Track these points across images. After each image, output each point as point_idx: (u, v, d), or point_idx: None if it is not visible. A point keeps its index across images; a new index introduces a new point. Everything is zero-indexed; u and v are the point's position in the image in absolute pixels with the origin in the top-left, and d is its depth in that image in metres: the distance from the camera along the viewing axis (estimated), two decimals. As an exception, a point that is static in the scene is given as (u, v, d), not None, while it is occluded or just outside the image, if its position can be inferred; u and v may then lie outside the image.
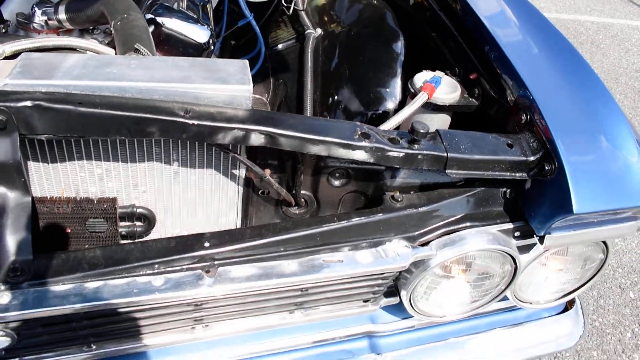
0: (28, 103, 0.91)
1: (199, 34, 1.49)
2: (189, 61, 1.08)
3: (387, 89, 1.53)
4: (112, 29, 1.22)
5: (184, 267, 0.98)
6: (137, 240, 1.13)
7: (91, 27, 1.47)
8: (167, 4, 1.50)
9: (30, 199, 0.96)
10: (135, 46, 1.10)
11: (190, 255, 0.99)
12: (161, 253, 0.98)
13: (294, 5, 1.79)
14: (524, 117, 1.18)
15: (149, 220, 1.15)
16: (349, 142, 1.02)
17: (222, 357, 1.17)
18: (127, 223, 1.15)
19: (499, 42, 1.32)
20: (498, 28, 1.38)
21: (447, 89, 1.32)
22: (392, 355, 1.29)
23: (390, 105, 1.51)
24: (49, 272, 0.93)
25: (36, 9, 1.44)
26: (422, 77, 1.33)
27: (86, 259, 0.96)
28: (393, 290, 1.25)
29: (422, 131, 1.06)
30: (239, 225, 1.21)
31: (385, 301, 1.25)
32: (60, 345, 1.05)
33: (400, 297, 1.23)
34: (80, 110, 0.92)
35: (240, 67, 1.07)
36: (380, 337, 1.29)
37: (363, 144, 1.03)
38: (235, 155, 1.06)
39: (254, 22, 1.75)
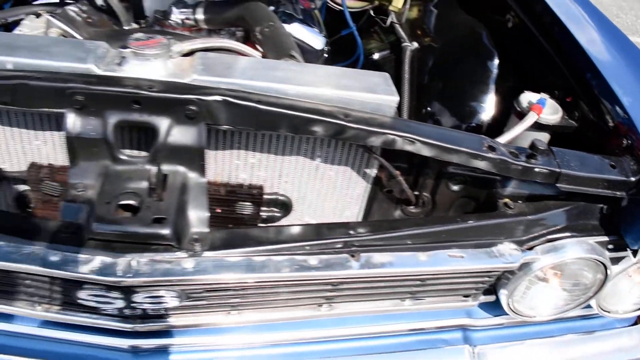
0: (217, 98, 1.08)
1: (316, 40, 1.67)
2: (339, 70, 1.25)
3: (482, 104, 1.69)
4: (257, 34, 1.40)
5: (333, 249, 1.15)
6: (294, 224, 1.30)
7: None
8: (287, 11, 1.68)
9: (206, 180, 1.14)
10: (291, 53, 1.28)
11: (338, 240, 1.16)
12: (314, 236, 1.16)
13: (391, 18, 1.96)
14: (625, 142, 1.34)
15: (286, 207, 1.32)
16: (479, 153, 1.19)
17: (342, 335, 1.34)
18: (268, 208, 1.32)
19: (598, 67, 1.48)
20: (596, 52, 1.54)
21: (549, 110, 1.48)
22: (483, 348, 1.45)
23: (483, 119, 1.68)
24: (223, 244, 1.11)
25: (174, 8, 1.62)
26: (527, 98, 1.49)
27: (253, 237, 1.13)
28: (490, 289, 1.41)
29: (541, 148, 1.23)
30: (360, 219, 1.38)
31: (482, 298, 1.41)
32: (208, 310, 1.22)
33: (497, 296, 1.39)
34: (260, 107, 1.10)
35: (384, 79, 1.24)
36: (474, 331, 1.46)
37: (490, 155, 1.20)
38: (377, 156, 1.23)
39: (356, 33, 1.92)
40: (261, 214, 1.30)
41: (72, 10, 1.42)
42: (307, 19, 1.72)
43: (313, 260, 1.13)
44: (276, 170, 1.28)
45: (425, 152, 1.17)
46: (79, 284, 1.08)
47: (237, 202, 1.27)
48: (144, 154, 1.14)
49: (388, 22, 1.95)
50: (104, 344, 1.23)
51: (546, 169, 1.23)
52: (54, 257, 1.04)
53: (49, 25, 1.37)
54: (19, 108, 1.11)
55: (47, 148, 1.22)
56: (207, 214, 1.10)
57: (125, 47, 1.11)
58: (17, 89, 1.05)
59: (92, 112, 1.07)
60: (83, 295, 1.10)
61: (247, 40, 1.64)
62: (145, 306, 1.13)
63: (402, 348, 1.41)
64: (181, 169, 1.12)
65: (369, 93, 1.18)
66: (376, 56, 2.00)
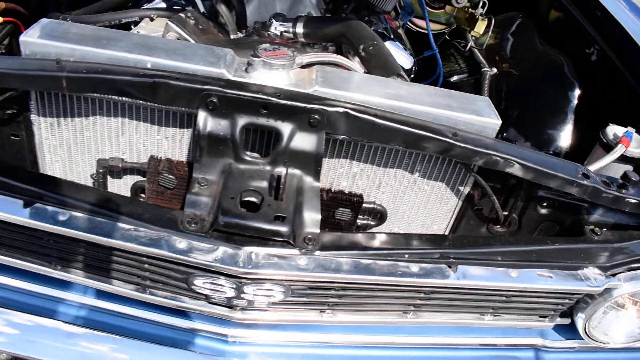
0: (340, 109, 1.18)
1: (405, 60, 1.77)
2: (444, 91, 1.34)
3: (560, 133, 1.77)
4: (362, 52, 1.50)
5: (432, 259, 1.23)
6: (395, 232, 1.39)
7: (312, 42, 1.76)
8: (380, 30, 1.78)
9: (319, 184, 1.23)
10: (399, 72, 1.37)
11: (436, 251, 1.24)
12: (415, 245, 1.24)
13: (471, 43, 2.05)
14: None
15: (382, 217, 1.41)
16: (574, 179, 1.26)
17: (419, 343, 1.41)
18: (363, 217, 1.41)
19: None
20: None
21: (635, 144, 1.55)
22: (553, 370, 1.51)
23: (562, 147, 1.76)
24: (333, 246, 1.20)
25: (274, 20, 1.73)
26: (612, 130, 1.56)
27: (360, 241, 1.22)
28: (566, 312, 1.48)
29: (633, 179, 1.31)
30: (446, 234, 1.46)
31: (558, 320, 1.47)
32: (305, 307, 1.30)
33: (573, 319, 1.45)
34: (376, 121, 1.19)
35: (487, 103, 1.32)
36: (546, 352, 1.52)
37: (584, 182, 1.27)
38: (475, 175, 1.31)
39: (438, 55, 2.01)
40: (357, 221, 1.39)
41: (186, 16, 1.54)
42: (396, 39, 1.82)
43: (414, 267, 1.22)
44: (376, 180, 1.37)
45: (524, 174, 1.25)
46: (198, 270, 1.17)
47: (338, 207, 1.36)
48: (256, 155, 1.24)
49: (468, 47, 2.04)
50: (203, 330, 1.32)
51: (637, 200, 1.30)
52: (181, 245, 1.14)
53: (167, 29, 1.49)
54: (156, 104, 1.22)
55: (168, 143, 1.33)
56: (319, 216, 1.19)
57: (255, 56, 1.21)
58: (158, 87, 1.16)
59: (223, 113, 1.18)
60: (199, 282, 1.19)
61: (340, 54, 1.75)
62: (252, 298, 1.22)
63: (474, 362, 1.48)
64: (298, 172, 1.21)
65: (474, 115, 1.27)
66: (455, 78, 2.09)
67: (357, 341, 1.40)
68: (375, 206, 1.39)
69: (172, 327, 1.36)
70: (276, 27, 1.72)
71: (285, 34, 1.71)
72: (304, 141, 1.20)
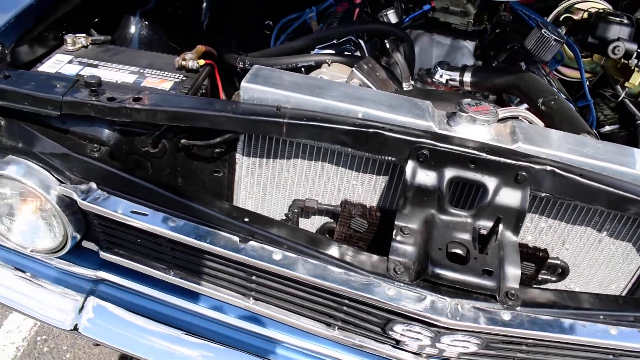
0: (547, 167, 1.22)
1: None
2: (630, 149, 1.36)
3: None
4: (541, 106, 1.54)
5: (628, 322, 1.24)
6: (591, 292, 1.41)
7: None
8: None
9: (517, 240, 1.27)
10: (588, 130, 1.41)
11: (631, 314, 1.26)
12: (611, 306, 1.26)
13: (624, 93, 2.06)
14: None
15: (563, 273, 1.43)
16: None
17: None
18: (545, 272, 1.44)
19: None
20: None
21: None
22: None
23: None
24: (532, 302, 1.23)
25: (439, 68, 1.80)
26: None
27: (558, 299, 1.25)
28: None
29: None
30: (624, 294, 1.47)
31: None
32: (490, 359, 1.33)
33: None
34: (582, 181, 1.23)
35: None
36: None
37: None
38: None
39: (592, 106, 2.03)
40: (539, 276, 1.42)
41: (365, 64, 1.63)
42: (559, 90, 1.86)
43: (613, 330, 1.23)
44: (561, 237, 1.40)
45: None
46: (399, 317, 1.23)
47: (522, 261, 1.39)
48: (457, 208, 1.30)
49: (620, 98, 2.04)
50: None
51: None
52: (390, 292, 1.20)
53: (352, 76, 1.58)
54: (364, 153, 1.30)
55: (362, 188, 1.40)
56: (519, 272, 1.23)
57: (462, 111, 1.27)
58: (372, 137, 1.24)
59: (431, 165, 1.24)
60: (398, 328, 1.25)
61: (503, 104, 1.80)
62: (445, 347, 1.26)
63: None
64: (500, 226, 1.26)
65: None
66: (607, 129, 2.09)
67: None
68: (559, 262, 1.41)
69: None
70: (441, 75, 1.79)
71: (450, 81, 1.78)
72: (509, 196, 1.24)
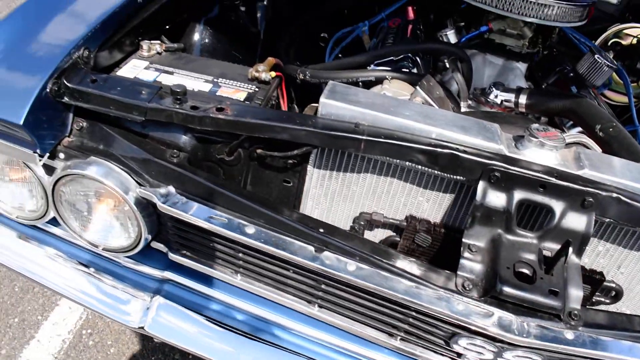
0: (613, 194, 1.28)
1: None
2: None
3: None
4: (599, 132, 1.60)
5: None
6: None
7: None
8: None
9: (580, 262, 1.33)
10: (655, 161, 1.47)
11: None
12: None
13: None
14: None
15: (617, 296, 1.49)
16: None
17: None
18: (599, 294, 1.49)
19: None
20: None
21: None
22: None
23: None
24: (594, 323, 1.29)
25: (494, 89, 1.86)
26: None
27: (618, 320, 1.31)
28: None
29: None
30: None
31: None
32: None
33: None
34: (645, 210, 1.29)
35: None
36: None
37: None
38: None
39: None
40: (593, 298, 1.47)
41: (427, 82, 1.69)
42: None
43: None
44: (617, 260, 1.46)
45: None
46: (464, 331, 1.29)
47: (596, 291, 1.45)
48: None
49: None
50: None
51: None
52: (459, 306, 1.26)
53: (415, 94, 1.64)
54: (436, 172, 1.36)
55: (427, 205, 1.47)
56: (582, 293, 1.28)
57: (531, 135, 1.33)
58: (446, 157, 1.30)
59: (502, 187, 1.30)
60: (462, 342, 1.30)
61: (554, 126, 1.86)
62: (505, 363, 1.32)
63: None
64: (568, 249, 1.31)
65: None
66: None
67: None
68: (614, 285, 1.47)
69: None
70: (496, 96, 1.85)
71: (505, 102, 1.84)
72: (574, 220, 1.30)
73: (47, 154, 1.40)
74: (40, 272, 1.64)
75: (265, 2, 2.15)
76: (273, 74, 1.59)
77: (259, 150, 1.43)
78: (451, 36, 1.86)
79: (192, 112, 1.35)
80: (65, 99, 1.39)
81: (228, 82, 1.57)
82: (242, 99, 1.51)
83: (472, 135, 1.34)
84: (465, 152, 1.30)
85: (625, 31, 2.21)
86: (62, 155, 1.43)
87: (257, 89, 1.56)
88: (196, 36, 1.92)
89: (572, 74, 2.00)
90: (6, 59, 1.40)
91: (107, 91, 1.38)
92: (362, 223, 1.49)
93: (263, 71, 1.57)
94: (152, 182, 1.40)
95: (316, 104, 1.52)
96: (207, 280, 1.54)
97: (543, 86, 2.06)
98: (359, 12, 2.33)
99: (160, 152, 1.43)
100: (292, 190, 1.51)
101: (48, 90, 1.35)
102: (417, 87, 1.64)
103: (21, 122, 1.30)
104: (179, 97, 1.36)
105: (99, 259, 1.64)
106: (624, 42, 2.20)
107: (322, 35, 2.32)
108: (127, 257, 1.55)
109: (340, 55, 2.21)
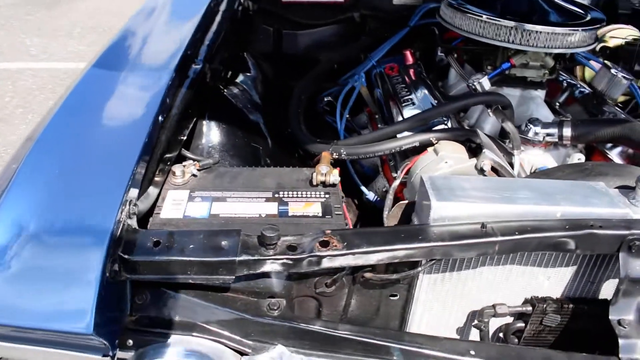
0: None
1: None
2: None
3: None
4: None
5: None
6: None
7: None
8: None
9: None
10: None
11: None
12: None
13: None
14: None
15: None
16: None
17: None
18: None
19: None
20: None
21: None
22: None
23: None
24: None
25: (531, 125, 1.78)
26: None
27: None
28: None
29: None
30: None
31: None
32: None
33: None
34: None
35: None
36: None
37: None
38: None
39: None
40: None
41: (487, 140, 1.56)
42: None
43: None
44: None
45: None
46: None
47: None
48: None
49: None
50: None
51: None
52: (645, 395, 1.15)
53: (483, 158, 1.51)
54: (579, 252, 1.24)
55: (548, 283, 1.34)
56: None
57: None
58: (585, 240, 1.19)
59: (641, 255, 1.21)
60: None
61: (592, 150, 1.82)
62: None
63: None
64: None
65: None
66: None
67: None
68: None
69: None
70: (537, 133, 1.77)
71: (548, 137, 1.77)
72: None
73: (117, 349, 1.11)
74: None
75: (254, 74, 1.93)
76: (337, 172, 1.39)
77: (367, 275, 1.23)
78: (485, 83, 1.75)
79: (292, 255, 1.13)
80: (127, 275, 1.11)
81: (291, 194, 1.36)
82: (319, 214, 1.30)
83: (594, 205, 1.24)
84: (601, 227, 1.19)
85: (608, 34, 2.23)
86: (130, 342, 1.14)
87: (327, 195, 1.36)
88: (206, 134, 1.65)
89: (583, 90, 1.98)
90: (40, 242, 1.08)
91: (179, 253, 1.12)
92: (486, 320, 1.34)
93: (328, 173, 1.37)
94: (252, 344, 1.16)
95: (404, 201, 1.35)
96: None
97: (556, 106, 2.02)
98: (347, 65, 2.17)
99: (255, 306, 1.19)
100: (399, 303, 1.32)
101: (108, 274, 1.06)
102: (485, 151, 1.51)
103: (92, 331, 1.00)
104: (273, 243, 1.13)
105: None
106: (611, 45, 2.21)
107: (326, 99, 2.13)
108: None
109: (348, 117, 2.03)
